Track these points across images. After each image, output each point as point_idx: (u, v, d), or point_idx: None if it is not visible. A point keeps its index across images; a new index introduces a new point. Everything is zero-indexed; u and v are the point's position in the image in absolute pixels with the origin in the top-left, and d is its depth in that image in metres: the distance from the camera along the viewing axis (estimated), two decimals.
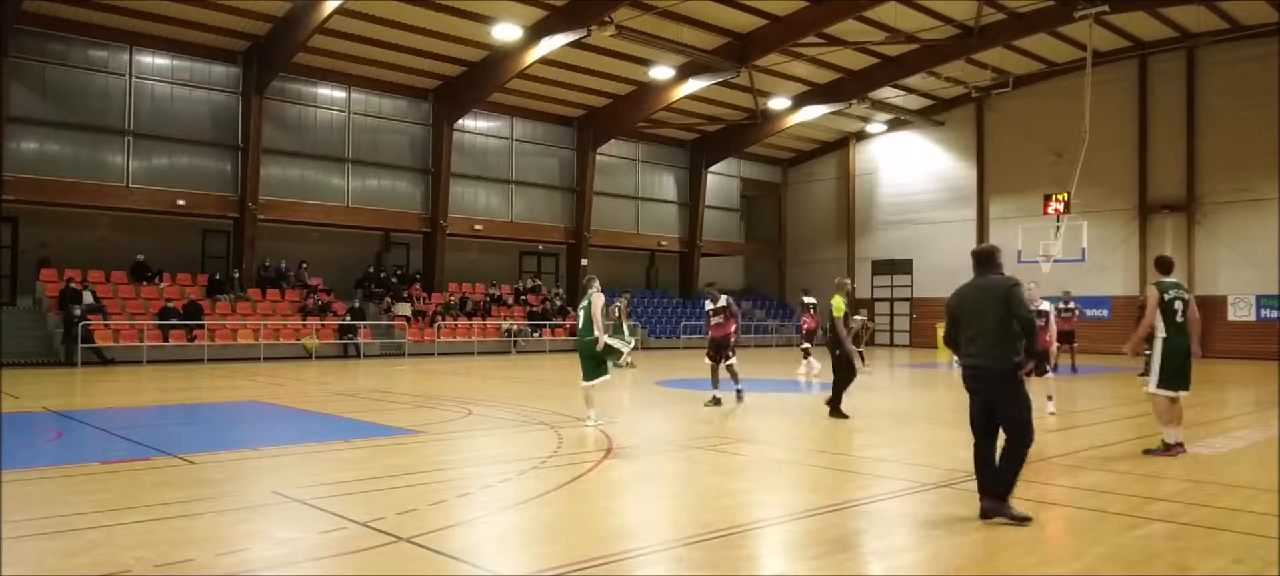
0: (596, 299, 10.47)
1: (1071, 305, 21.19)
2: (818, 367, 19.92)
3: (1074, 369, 20.99)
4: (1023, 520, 5.91)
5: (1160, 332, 8.77)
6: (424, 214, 30.63)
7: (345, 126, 29.12)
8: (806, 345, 21.45)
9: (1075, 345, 21.46)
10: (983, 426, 6.25)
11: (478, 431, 10.70)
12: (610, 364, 10.63)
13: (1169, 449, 8.77)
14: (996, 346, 6.10)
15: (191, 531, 5.77)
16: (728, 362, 13.14)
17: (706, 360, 13.64)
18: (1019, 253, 26.06)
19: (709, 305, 13.57)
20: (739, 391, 13.04)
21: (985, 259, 6.44)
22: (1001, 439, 6.22)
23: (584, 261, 34.40)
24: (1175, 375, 8.76)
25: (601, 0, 24.11)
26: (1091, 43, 26.31)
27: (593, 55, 28.04)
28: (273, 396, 14.92)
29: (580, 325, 10.67)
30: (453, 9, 24.45)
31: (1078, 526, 5.96)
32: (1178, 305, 8.73)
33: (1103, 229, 30.14)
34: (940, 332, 31.60)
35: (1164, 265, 9.13)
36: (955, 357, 6.65)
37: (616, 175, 36.35)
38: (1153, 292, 8.83)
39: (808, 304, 22.24)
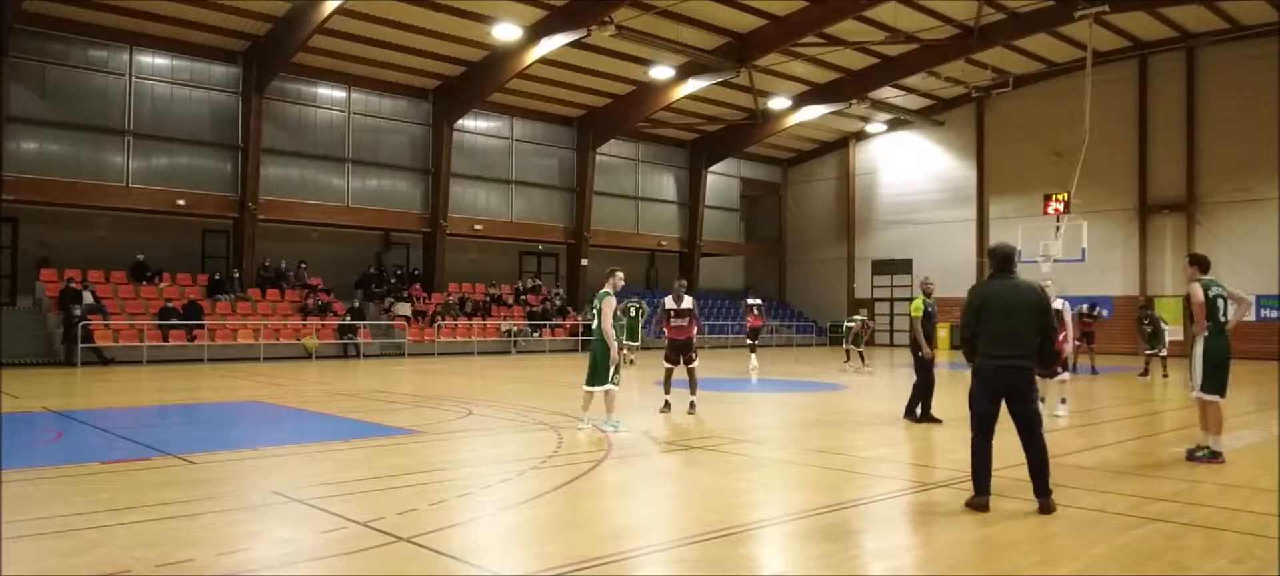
0: (608, 303, 10.07)
1: (1097, 311, 22.17)
2: (756, 364, 21.29)
3: (1094, 369, 21.37)
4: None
5: (1201, 332, 8.47)
6: (424, 214, 30.64)
7: (345, 126, 29.13)
8: (751, 342, 22.48)
9: (1094, 346, 22.03)
10: (988, 423, 6.37)
11: (478, 431, 10.70)
12: (611, 373, 10.10)
13: (1214, 456, 8.41)
14: (1030, 348, 6.32)
15: (191, 531, 5.77)
16: (691, 366, 12.02)
17: (664, 364, 12.30)
18: (1019, 253, 26.02)
19: (671, 304, 12.11)
20: (693, 403, 11.92)
21: (1008, 259, 6.58)
22: (1000, 437, 6.31)
23: (584, 261, 34.42)
24: (1215, 378, 8.40)
25: (601, 0, 24.11)
26: (1091, 43, 26.33)
27: (593, 55, 28.04)
28: (273, 396, 14.91)
29: (595, 325, 10.28)
30: (453, 9, 24.45)
31: (1078, 526, 5.96)
32: (1220, 303, 8.46)
33: (1103, 229, 30.16)
34: (942, 332, 31.77)
35: (1203, 263, 8.76)
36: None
37: (616, 175, 36.36)
38: (1198, 289, 8.47)
39: (751, 304, 23.46)
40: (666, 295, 12.51)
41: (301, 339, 25.38)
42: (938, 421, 11.06)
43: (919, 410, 11.35)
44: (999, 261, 6.57)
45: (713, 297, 38.70)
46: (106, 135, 24.85)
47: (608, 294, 10.21)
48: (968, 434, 6.48)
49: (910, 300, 12.58)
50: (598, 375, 10.12)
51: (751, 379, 19.65)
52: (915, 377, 11.50)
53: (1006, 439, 6.50)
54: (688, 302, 12.12)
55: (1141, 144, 31.69)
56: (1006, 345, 6.29)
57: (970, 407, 6.46)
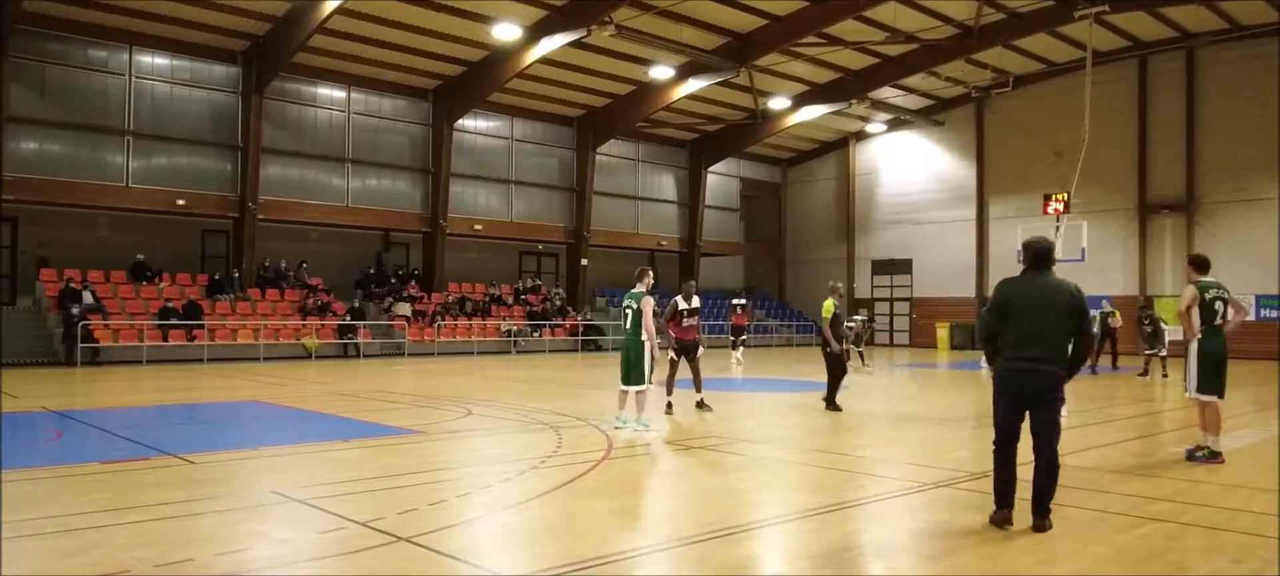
0: (647, 303, 10.08)
1: (1113, 310, 22.38)
2: (741, 361, 22.79)
3: (1094, 370, 21.31)
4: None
5: (1192, 337, 8.41)
6: (424, 214, 30.64)
7: (345, 126, 29.13)
8: (733, 339, 24.38)
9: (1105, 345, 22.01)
10: (1010, 432, 5.91)
11: (477, 431, 10.70)
12: (647, 373, 10.12)
13: (1214, 456, 8.36)
14: (1057, 351, 5.80)
15: (191, 531, 5.77)
16: (694, 360, 12.28)
17: (671, 361, 12.45)
18: (1018, 252, 26.07)
19: (683, 304, 12.36)
20: (701, 400, 12.19)
21: (1043, 255, 6.04)
22: (1023, 447, 5.90)
23: (584, 261, 34.43)
24: (1212, 378, 8.34)
25: (601, 0, 24.11)
26: (1091, 43, 26.31)
27: (593, 55, 28.04)
28: (273, 396, 14.91)
29: (628, 325, 10.23)
30: (453, 9, 24.45)
31: (1078, 526, 5.96)
32: (1218, 306, 8.37)
33: (1103, 229, 30.14)
34: (941, 332, 31.93)
35: (1201, 264, 8.65)
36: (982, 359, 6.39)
37: (616, 175, 36.36)
38: (1191, 291, 8.37)
39: (736, 305, 25.45)
40: (676, 295, 12.76)
41: (301, 339, 25.38)
42: (839, 410, 12.34)
43: (829, 397, 12.56)
44: (1032, 257, 6.06)
45: (713, 297, 38.67)
46: (106, 135, 24.84)
47: (644, 293, 10.22)
48: (965, 433, 6.46)
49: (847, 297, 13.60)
50: (635, 375, 10.10)
51: (735, 376, 20.07)
52: (828, 369, 12.68)
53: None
54: (696, 302, 12.53)
55: (1141, 144, 31.69)
56: (1028, 346, 5.82)
57: (993, 415, 6.05)
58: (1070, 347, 5.93)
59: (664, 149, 37.78)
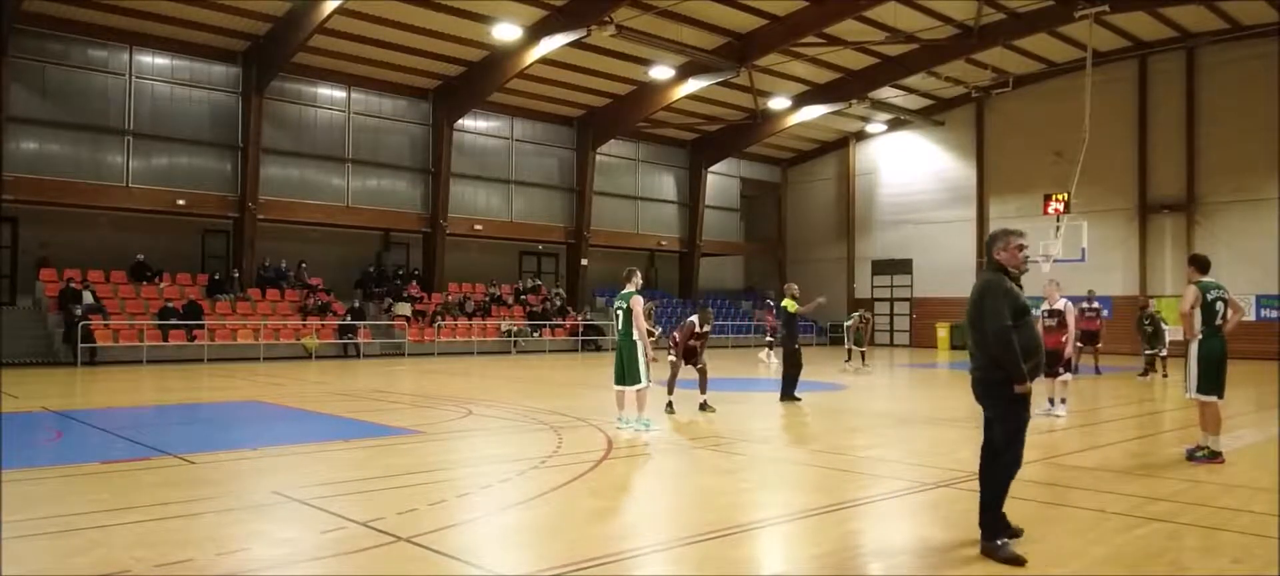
0: (637, 302, 10.10)
1: (1095, 304, 21.00)
2: (776, 361, 23.13)
3: (1097, 369, 20.73)
4: (1016, 562, 5.09)
5: (1192, 337, 8.41)
6: (424, 214, 30.64)
7: (345, 126, 29.13)
8: (769, 338, 25.36)
9: (1099, 346, 20.88)
10: (986, 438, 5.65)
11: (477, 431, 10.70)
12: (643, 372, 10.07)
13: (1214, 456, 8.34)
14: (978, 352, 5.47)
15: (191, 531, 5.77)
16: (699, 365, 12.46)
17: (669, 363, 12.76)
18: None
19: (699, 327, 12.60)
20: (705, 403, 12.29)
21: (985, 251, 5.76)
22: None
23: (584, 261, 34.43)
24: (1212, 379, 8.35)
25: (601, 0, 24.11)
26: (1091, 43, 26.31)
27: (593, 55, 28.04)
28: (273, 396, 14.91)
29: (620, 326, 10.26)
30: (453, 9, 24.45)
31: (1077, 526, 5.96)
32: (1219, 306, 8.36)
33: (1103, 229, 30.12)
34: (942, 332, 32.02)
35: (1202, 264, 8.63)
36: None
37: (616, 175, 36.36)
38: (1192, 292, 8.36)
39: (769, 304, 26.59)
40: (693, 315, 12.98)
41: (301, 339, 25.38)
42: (798, 400, 13.71)
43: (787, 391, 13.69)
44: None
45: (713, 297, 38.69)
46: (106, 135, 24.84)
47: (633, 293, 10.22)
48: (965, 433, 6.45)
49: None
50: (630, 374, 10.11)
51: (766, 373, 20.70)
52: (788, 365, 13.80)
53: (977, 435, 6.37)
54: (708, 328, 12.96)
55: (1141, 144, 31.68)
56: (969, 347, 5.68)
57: None
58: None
59: (664, 149, 37.77)
